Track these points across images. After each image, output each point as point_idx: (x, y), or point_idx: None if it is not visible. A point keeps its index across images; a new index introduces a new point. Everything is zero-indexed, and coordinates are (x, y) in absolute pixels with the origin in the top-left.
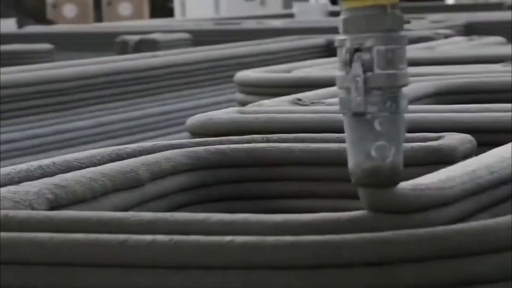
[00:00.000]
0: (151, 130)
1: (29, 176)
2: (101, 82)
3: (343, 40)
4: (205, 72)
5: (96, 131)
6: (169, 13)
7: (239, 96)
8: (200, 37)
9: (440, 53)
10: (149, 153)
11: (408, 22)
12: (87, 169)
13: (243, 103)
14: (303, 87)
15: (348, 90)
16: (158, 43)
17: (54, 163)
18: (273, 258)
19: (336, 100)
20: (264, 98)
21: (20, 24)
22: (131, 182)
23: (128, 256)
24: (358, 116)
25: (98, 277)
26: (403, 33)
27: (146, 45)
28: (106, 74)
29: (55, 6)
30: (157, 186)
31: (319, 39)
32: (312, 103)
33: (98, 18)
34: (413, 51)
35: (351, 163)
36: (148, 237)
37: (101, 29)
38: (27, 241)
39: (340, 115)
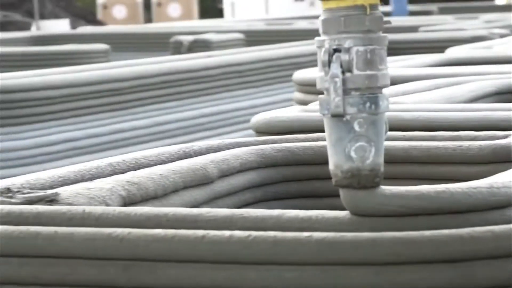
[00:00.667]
0: (206, 130)
1: (99, 173)
2: (157, 82)
3: (322, 41)
4: (259, 72)
5: (151, 131)
6: (218, 14)
7: (297, 95)
8: (252, 37)
9: (498, 52)
10: (216, 151)
11: (389, 22)
12: (158, 166)
13: (301, 102)
14: None
15: (327, 91)
16: (211, 43)
17: (124, 160)
18: (352, 254)
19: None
20: None
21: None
22: (201, 179)
23: (206, 252)
24: (337, 117)
25: (176, 272)
26: (383, 33)
27: (199, 45)
28: (162, 74)
29: (105, 7)
30: (226, 183)
31: None
32: None
33: (148, 19)
34: (471, 50)
35: (331, 164)
36: (226, 233)
37: (154, 29)
38: (105, 236)
39: (388, 115)
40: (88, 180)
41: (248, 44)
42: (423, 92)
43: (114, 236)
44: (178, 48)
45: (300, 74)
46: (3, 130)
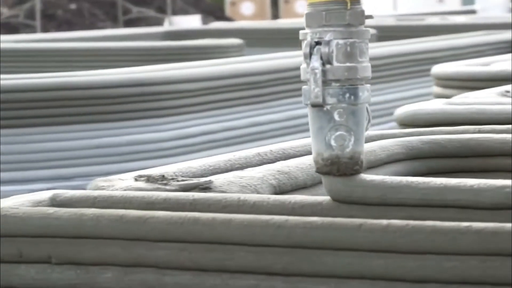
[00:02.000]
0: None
1: (248, 163)
2: (292, 76)
3: (305, 34)
4: (392, 67)
5: (287, 124)
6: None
7: (436, 89)
8: (384, 33)
9: None
10: (373, 140)
11: (371, 17)
12: (307, 156)
13: (440, 97)
14: (503, 81)
15: (309, 82)
16: None
17: (271, 150)
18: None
19: None
20: (462, 91)
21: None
22: None
23: (363, 240)
24: (318, 107)
25: (332, 260)
26: (364, 27)
27: None
28: (298, 68)
29: (233, 3)
30: (372, 175)
31: (506, 35)
32: None
33: (275, 16)
34: None
35: (313, 152)
36: (384, 222)
37: (286, 25)
38: (262, 223)
39: None
40: (238, 169)
41: (379, 39)
42: None
43: (271, 223)
44: None
45: (439, 68)
46: (145, 122)
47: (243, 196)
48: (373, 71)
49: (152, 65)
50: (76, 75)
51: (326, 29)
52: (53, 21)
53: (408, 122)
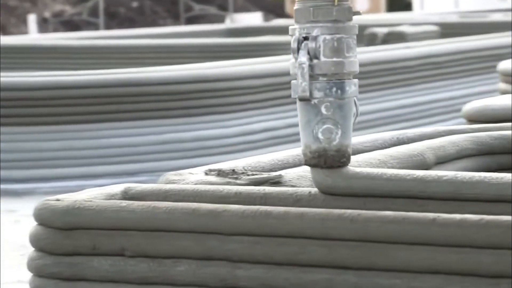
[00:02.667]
0: (402, 121)
1: None
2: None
3: (294, 30)
4: (456, 63)
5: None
6: (406, 8)
7: (502, 85)
8: (447, 30)
9: None
10: (429, 138)
11: (359, 13)
12: (376, 151)
13: (506, 93)
14: None
15: (296, 76)
16: (406, 35)
17: None
18: None
19: None
20: None
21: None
22: (418, 165)
23: (437, 234)
24: (305, 100)
25: (406, 254)
26: (351, 23)
27: (394, 37)
28: (362, 65)
29: (294, 1)
30: (442, 170)
31: None
32: None
33: None
34: None
35: (302, 144)
36: (457, 216)
37: None
38: (335, 217)
39: None
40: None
41: (442, 36)
42: None
43: (344, 217)
44: (373, 40)
45: (506, 65)
46: (209, 118)
47: (313, 190)
48: (436, 68)
49: (216, 62)
50: (141, 72)
51: (313, 24)
52: (115, 18)
53: (476, 118)
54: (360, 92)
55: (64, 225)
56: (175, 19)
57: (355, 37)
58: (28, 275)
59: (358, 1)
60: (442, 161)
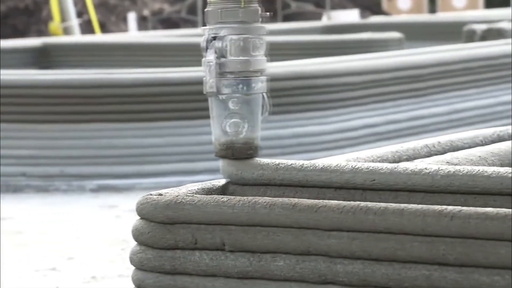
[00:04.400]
0: (505, 118)
1: (416, 154)
2: (457, 69)
3: (204, 30)
4: None
5: (450, 118)
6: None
7: None
8: None
9: None
10: None
11: (266, 15)
12: (476, 148)
13: None
14: None
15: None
16: (505, 32)
17: (439, 142)
18: None
19: None
20: None
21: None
22: None
23: None
24: (214, 96)
25: (507, 251)
26: (258, 24)
27: (493, 34)
28: (461, 61)
29: None
30: None
31: None
32: None
33: (432, 10)
34: None
35: (213, 137)
36: None
37: (445, 18)
38: (435, 213)
39: None
40: (406, 160)
41: None
42: None
43: (444, 213)
44: (471, 37)
45: None
46: (308, 115)
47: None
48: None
49: (315, 59)
50: None
51: (221, 25)
52: None
53: None
54: (460, 89)
55: (165, 220)
56: (273, 17)
57: (262, 37)
58: (129, 269)
59: (400, 1)
60: None
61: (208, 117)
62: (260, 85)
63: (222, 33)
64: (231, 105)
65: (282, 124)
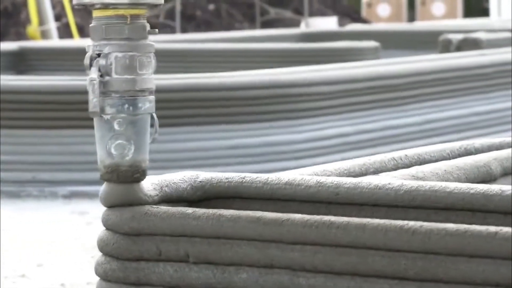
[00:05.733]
0: (478, 128)
1: (383, 167)
2: (429, 79)
3: (88, 47)
4: None
5: (423, 128)
6: (483, 13)
7: None
8: None
9: None
10: (498, 149)
11: (155, 32)
12: (442, 162)
13: None
14: None
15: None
16: (481, 42)
17: (406, 155)
18: None
19: None
20: None
21: (339, 23)
22: (484, 177)
23: (498, 248)
24: (96, 116)
25: (467, 267)
26: (146, 41)
27: (468, 44)
28: (435, 72)
29: (369, 5)
30: (508, 182)
31: None
32: None
33: (411, 18)
34: None
35: (98, 159)
36: None
37: (422, 28)
38: (396, 228)
39: None
40: (373, 174)
41: None
42: None
43: (406, 228)
44: (447, 47)
45: None
46: (280, 123)
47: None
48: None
49: (289, 67)
50: (211, 77)
51: (106, 42)
52: (192, 21)
53: None
54: (433, 99)
55: (130, 231)
56: (252, 23)
57: (150, 55)
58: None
59: (434, 6)
60: (509, 172)
61: (181, 124)
62: (147, 105)
63: (106, 50)
64: (116, 126)
65: (254, 132)
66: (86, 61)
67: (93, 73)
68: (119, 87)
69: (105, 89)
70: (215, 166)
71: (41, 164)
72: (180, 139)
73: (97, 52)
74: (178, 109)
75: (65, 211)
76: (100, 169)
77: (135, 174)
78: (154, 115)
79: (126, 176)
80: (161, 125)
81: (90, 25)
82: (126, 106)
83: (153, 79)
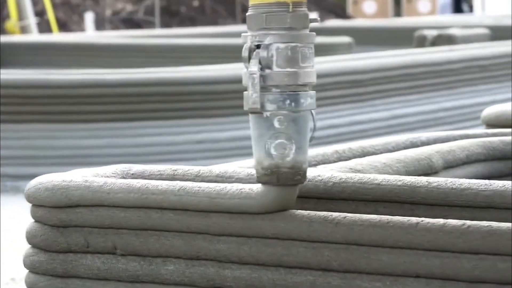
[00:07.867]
0: (445, 124)
1: (325, 160)
2: (398, 74)
3: (246, 37)
4: (503, 67)
5: (390, 123)
6: (468, 9)
7: None
8: (499, 33)
9: None
10: (444, 142)
11: (316, 20)
12: (383, 155)
13: None
14: None
15: (248, 87)
16: (455, 38)
17: (350, 148)
18: None
19: None
20: None
21: (321, 19)
22: (425, 169)
23: (420, 239)
24: (255, 113)
25: (389, 258)
26: (308, 31)
27: (443, 40)
28: (403, 67)
29: (356, 2)
30: (450, 175)
31: None
32: None
33: (397, 14)
34: None
35: (254, 159)
36: (441, 221)
37: (399, 24)
38: (320, 220)
39: None
40: (314, 166)
41: (493, 39)
42: None
43: (329, 219)
44: (422, 43)
45: None
46: (243, 118)
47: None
48: (481, 71)
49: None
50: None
51: (266, 32)
52: (176, 17)
53: (494, 123)
54: (402, 95)
55: (58, 223)
56: (235, 19)
57: (311, 46)
58: (24, 272)
59: (420, 3)
60: (451, 165)
61: (146, 119)
62: (309, 101)
63: (267, 40)
64: (276, 124)
65: (219, 127)
66: (245, 53)
67: (253, 66)
68: (280, 81)
69: (265, 84)
70: (182, 160)
71: (5, 158)
72: (151, 133)
73: (256, 43)
74: (152, 103)
75: (27, 206)
76: (257, 171)
77: (296, 176)
78: (313, 112)
79: (286, 178)
80: (133, 119)
81: (247, 13)
82: (288, 102)
83: (315, 73)
